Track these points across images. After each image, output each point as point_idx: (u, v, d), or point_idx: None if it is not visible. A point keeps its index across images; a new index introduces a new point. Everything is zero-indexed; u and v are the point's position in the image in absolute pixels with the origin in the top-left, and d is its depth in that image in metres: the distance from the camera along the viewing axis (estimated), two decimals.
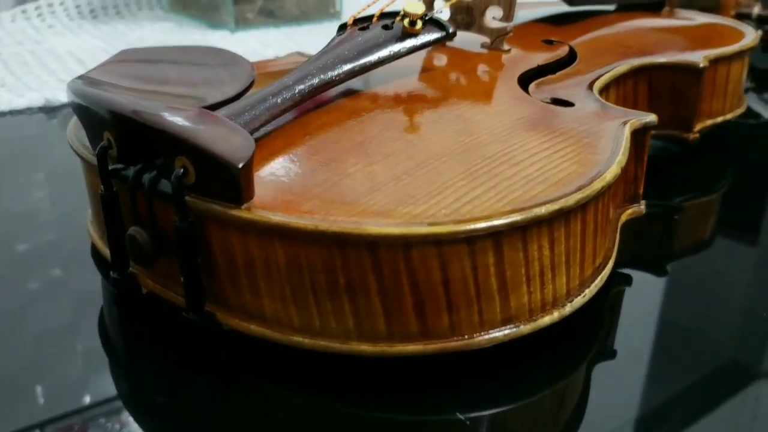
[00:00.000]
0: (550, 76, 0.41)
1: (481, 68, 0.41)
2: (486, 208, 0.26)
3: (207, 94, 0.33)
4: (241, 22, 0.84)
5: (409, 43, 0.37)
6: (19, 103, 0.57)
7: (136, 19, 0.90)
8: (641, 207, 0.37)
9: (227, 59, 0.37)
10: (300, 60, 0.47)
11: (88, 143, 0.33)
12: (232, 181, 0.26)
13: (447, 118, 0.34)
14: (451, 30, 0.38)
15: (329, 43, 0.38)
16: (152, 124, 0.27)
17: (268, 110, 0.31)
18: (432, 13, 0.38)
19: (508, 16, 0.42)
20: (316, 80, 0.34)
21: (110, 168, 0.30)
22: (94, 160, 0.32)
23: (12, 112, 0.57)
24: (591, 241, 0.30)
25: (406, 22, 0.37)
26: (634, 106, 0.45)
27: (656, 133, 0.47)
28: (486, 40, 0.44)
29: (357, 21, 0.39)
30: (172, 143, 0.27)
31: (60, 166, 0.49)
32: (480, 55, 0.43)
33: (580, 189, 0.28)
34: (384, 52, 0.36)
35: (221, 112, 0.30)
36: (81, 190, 0.37)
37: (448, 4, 0.42)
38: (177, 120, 0.27)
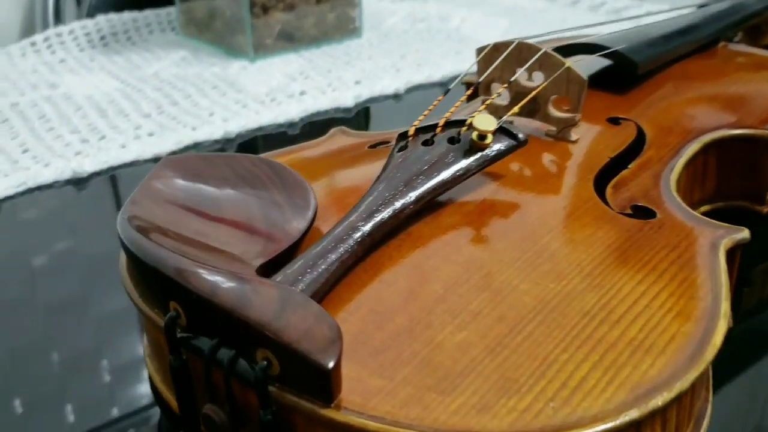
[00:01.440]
0: (624, 173, 0.38)
1: (552, 168, 0.38)
2: (596, 396, 0.24)
3: (273, 243, 0.31)
4: (260, 49, 0.81)
5: (480, 158, 0.35)
6: (46, 176, 0.55)
7: (148, 45, 0.87)
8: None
9: (284, 178, 0.35)
10: (343, 142, 0.44)
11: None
12: (320, 381, 0.24)
13: (530, 254, 0.31)
14: (522, 138, 0.36)
15: (389, 158, 0.35)
16: (233, 312, 0.25)
17: (331, 268, 0.29)
18: (501, 121, 0.36)
19: (576, 106, 0.39)
20: (385, 214, 0.31)
21: (179, 336, 0.28)
22: (155, 316, 0.30)
23: (40, 188, 0.54)
24: (697, 401, 0.28)
25: (474, 135, 0.34)
26: (703, 183, 0.43)
27: (725, 204, 0.45)
28: (551, 127, 0.41)
29: (419, 131, 0.36)
30: (254, 335, 0.25)
31: (98, 250, 0.47)
32: (545, 145, 0.40)
33: (692, 361, 0.26)
34: (454, 171, 0.34)
35: (279, 277, 0.28)
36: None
37: (516, 109, 0.39)
38: (261, 309, 0.25)
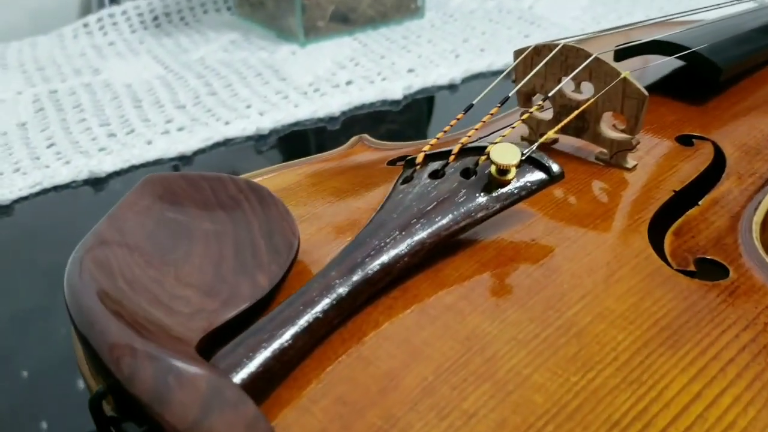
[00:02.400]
0: (691, 212, 0.30)
1: (597, 204, 0.31)
2: None
3: (232, 302, 0.25)
4: (312, 32, 0.76)
5: (500, 197, 0.28)
6: (64, 175, 0.52)
7: (200, 26, 0.83)
8: None
9: (269, 212, 0.30)
10: (361, 156, 0.38)
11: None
12: None
13: (552, 330, 0.25)
14: (556, 171, 0.29)
15: (390, 192, 0.29)
16: (149, 408, 0.20)
17: (293, 343, 0.23)
18: (530, 149, 0.29)
19: (634, 126, 0.32)
20: (371, 270, 0.26)
21: (109, 416, 0.24)
22: (93, 382, 0.25)
23: (57, 188, 0.51)
24: None
25: (493, 169, 0.28)
26: None
27: None
28: (603, 150, 0.34)
29: (428, 157, 0.30)
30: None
31: None
32: (593, 172, 0.33)
33: None
34: (465, 215, 0.27)
35: (225, 353, 0.23)
36: None
37: (557, 127, 0.32)
38: (180, 411, 0.20)
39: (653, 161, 0.34)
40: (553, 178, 0.29)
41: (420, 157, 0.30)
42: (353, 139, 0.41)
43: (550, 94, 0.33)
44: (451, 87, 0.66)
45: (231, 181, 0.32)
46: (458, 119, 0.32)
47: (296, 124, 0.60)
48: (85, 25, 0.83)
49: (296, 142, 0.58)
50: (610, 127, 0.33)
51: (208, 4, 0.88)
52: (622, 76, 0.32)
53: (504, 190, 0.28)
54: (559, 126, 0.32)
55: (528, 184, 0.28)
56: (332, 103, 0.62)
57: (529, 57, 0.34)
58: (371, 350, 0.25)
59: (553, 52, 0.33)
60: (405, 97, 0.64)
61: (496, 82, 0.35)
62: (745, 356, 0.24)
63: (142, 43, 0.79)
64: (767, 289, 0.27)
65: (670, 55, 0.39)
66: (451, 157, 0.29)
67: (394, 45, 0.75)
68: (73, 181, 0.52)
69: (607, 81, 0.32)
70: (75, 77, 0.70)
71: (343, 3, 0.77)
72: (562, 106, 0.34)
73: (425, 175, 0.29)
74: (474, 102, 0.33)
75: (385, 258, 0.26)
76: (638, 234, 0.29)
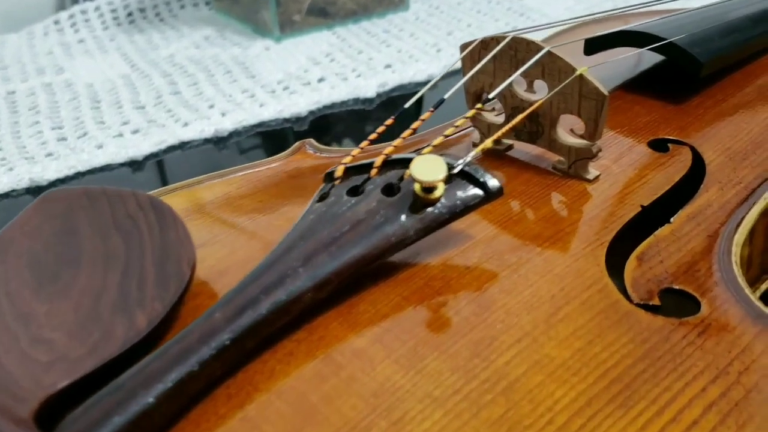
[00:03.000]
0: (661, 232, 0.26)
1: (550, 223, 0.27)
2: None
3: (99, 349, 0.22)
4: (288, 27, 0.71)
5: (425, 220, 0.24)
6: (4, 183, 0.49)
7: (175, 22, 0.79)
8: None
9: (166, 235, 0.26)
10: (302, 161, 0.34)
11: None
12: None
13: (477, 383, 0.21)
14: (493, 188, 0.24)
15: (304, 213, 0.25)
16: None
17: (156, 404, 0.19)
18: (463, 162, 0.24)
19: (593, 131, 0.27)
20: (264, 310, 0.22)
21: None
22: None
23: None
24: None
25: (417, 185, 0.24)
26: None
27: None
28: (561, 158, 0.29)
29: (349, 170, 0.26)
30: None
31: None
32: (550, 184, 0.29)
33: None
34: (381, 241, 0.23)
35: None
36: None
37: (503, 130, 0.27)
38: None
39: (620, 171, 0.29)
40: (489, 195, 0.24)
41: (339, 170, 0.26)
42: (296, 144, 0.37)
43: (492, 95, 0.28)
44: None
45: (133, 197, 0.29)
46: (386, 125, 0.28)
47: (260, 125, 0.56)
48: (56, 23, 0.79)
49: (256, 144, 0.54)
50: (568, 132, 0.29)
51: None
52: (577, 72, 0.27)
53: (431, 210, 0.24)
54: (504, 130, 0.28)
55: (459, 203, 0.24)
56: (300, 102, 0.58)
57: (476, 51, 0.30)
58: (259, 410, 0.21)
59: (501, 45, 0.29)
60: (379, 95, 0.59)
61: (432, 83, 0.31)
62: (712, 418, 0.20)
63: (113, 40, 0.75)
64: (744, 328, 0.22)
65: (644, 47, 0.34)
66: (373, 171, 0.25)
67: (374, 39, 0.70)
68: (13, 190, 0.49)
69: (561, 78, 0.28)
70: (37, 77, 0.67)
71: None
72: (514, 108, 0.29)
73: (343, 191, 0.25)
74: (406, 106, 0.29)
75: (282, 295, 0.22)
76: (594, 260, 0.25)
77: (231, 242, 0.28)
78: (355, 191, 0.25)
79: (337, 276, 0.23)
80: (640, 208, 0.27)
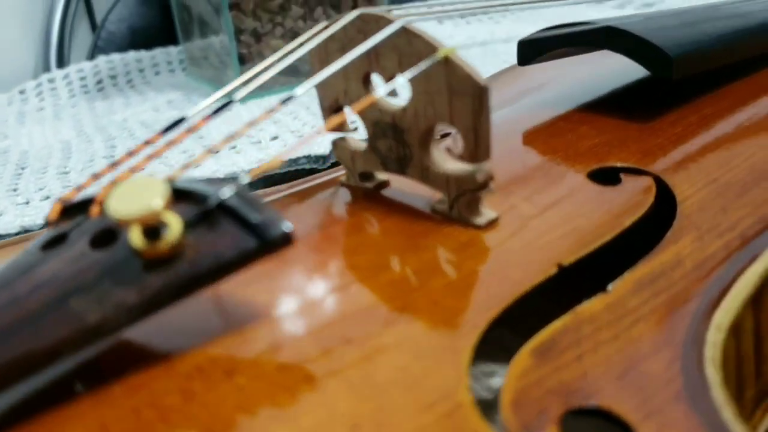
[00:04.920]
0: (589, 306, 0.16)
1: (398, 294, 0.17)
2: None
3: None
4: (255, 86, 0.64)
5: (146, 286, 0.14)
6: None
7: (145, 88, 0.74)
8: None
9: None
10: None
11: None
12: None
13: None
14: (273, 234, 0.15)
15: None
16: None
17: None
18: (220, 192, 0.15)
19: (475, 147, 0.17)
20: None
21: None
22: None
23: None
24: None
25: (134, 235, 0.14)
26: None
27: None
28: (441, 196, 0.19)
29: (67, 211, 0.16)
30: None
31: None
32: (420, 233, 0.19)
33: None
34: (72, 329, 0.14)
35: None
36: None
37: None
38: None
39: (535, 213, 0.19)
40: (267, 244, 0.15)
41: (53, 211, 0.16)
42: None
43: (356, 109, 0.19)
44: None
45: None
46: (147, 142, 0.18)
47: None
48: (21, 92, 0.75)
49: None
50: (445, 154, 0.19)
51: (162, 64, 0.79)
52: (440, 53, 0.18)
53: (159, 272, 0.14)
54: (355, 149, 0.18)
55: (212, 260, 0.14)
56: (240, 161, 0.50)
57: (323, 46, 0.20)
58: None
59: (339, 25, 0.19)
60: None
61: (285, 98, 0.21)
62: None
63: (74, 107, 0.70)
64: None
65: (601, 48, 0.24)
66: (95, 208, 0.16)
67: None
68: None
69: (417, 63, 0.18)
70: None
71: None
72: (375, 123, 0.20)
73: (41, 244, 0.16)
74: (183, 118, 0.20)
75: None
76: (451, 357, 0.14)
77: None
78: (56, 241, 0.15)
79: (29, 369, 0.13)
80: (556, 269, 0.17)
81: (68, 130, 0.62)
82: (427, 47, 0.18)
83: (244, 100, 0.65)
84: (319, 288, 0.17)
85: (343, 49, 0.20)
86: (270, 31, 0.64)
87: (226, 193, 0.16)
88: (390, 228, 0.19)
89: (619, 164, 0.21)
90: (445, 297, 0.16)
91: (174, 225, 0.14)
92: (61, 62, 0.84)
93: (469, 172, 0.18)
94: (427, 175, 0.19)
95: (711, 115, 0.24)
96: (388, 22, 0.19)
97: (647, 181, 0.20)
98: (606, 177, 0.20)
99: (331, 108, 0.21)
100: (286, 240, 0.15)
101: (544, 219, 0.19)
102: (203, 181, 0.16)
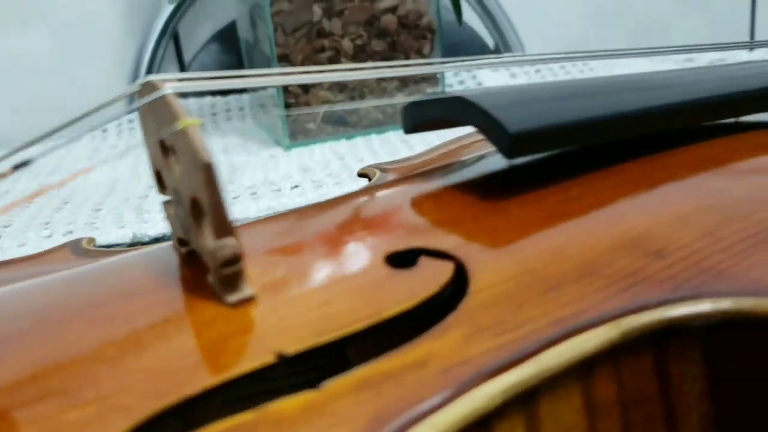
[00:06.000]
0: (283, 404, 0.14)
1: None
2: None
3: None
4: (300, 136, 0.66)
5: None
6: None
7: (210, 133, 0.77)
8: None
9: None
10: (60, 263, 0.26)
11: None
12: None
13: None
14: None
15: None
16: None
17: None
18: None
19: (214, 222, 0.16)
20: None
21: None
22: None
23: None
24: None
25: None
26: None
27: None
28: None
29: None
30: None
31: None
32: (193, 307, 0.18)
33: None
34: None
35: None
36: None
37: None
38: None
39: (298, 292, 0.18)
40: None
41: None
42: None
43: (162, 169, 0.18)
44: None
45: None
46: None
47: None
48: (104, 130, 0.81)
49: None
50: (206, 233, 0.18)
51: (233, 110, 0.83)
52: (179, 125, 0.17)
53: None
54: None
55: None
56: (251, 208, 0.51)
57: (145, 113, 0.20)
58: None
59: (133, 90, 0.19)
60: None
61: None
62: None
63: (122, 158, 0.75)
64: None
65: (460, 122, 0.22)
66: None
67: (386, 148, 0.62)
68: None
69: (171, 139, 0.17)
70: (47, 177, 0.66)
71: (339, 106, 0.67)
72: (174, 191, 0.19)
73: None
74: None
75: None
76: None
77: None
78: None
79: None
80: (274, 359, 0.15)
81: (122, 169, 0.66)
82: (173, 116, 0.18)
83: (288, 147, 0.66)
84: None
85: (145, 115, 0.20)
86: (318, 82, 0.66)
87: None
88: (156, 300, 0.18)
89: (429, 246, 0.19)
90: (124, 379, 0.15)
91: None
92: None
93: (216, 246, 0.17)
94: (199, 248, 0.19)
95: (575, 197, 0.21)
96: (155, 89, 0.18)
97: (444, 267, 0.18)
98: (404, 260, 0.18)
99: (158, 173, 0.21)
100: None
101: (303, 300, 0.17)
102: None
